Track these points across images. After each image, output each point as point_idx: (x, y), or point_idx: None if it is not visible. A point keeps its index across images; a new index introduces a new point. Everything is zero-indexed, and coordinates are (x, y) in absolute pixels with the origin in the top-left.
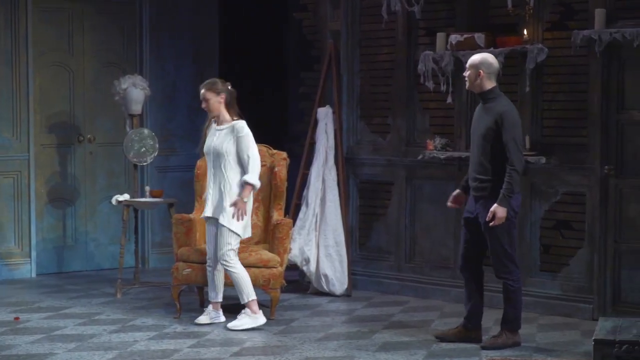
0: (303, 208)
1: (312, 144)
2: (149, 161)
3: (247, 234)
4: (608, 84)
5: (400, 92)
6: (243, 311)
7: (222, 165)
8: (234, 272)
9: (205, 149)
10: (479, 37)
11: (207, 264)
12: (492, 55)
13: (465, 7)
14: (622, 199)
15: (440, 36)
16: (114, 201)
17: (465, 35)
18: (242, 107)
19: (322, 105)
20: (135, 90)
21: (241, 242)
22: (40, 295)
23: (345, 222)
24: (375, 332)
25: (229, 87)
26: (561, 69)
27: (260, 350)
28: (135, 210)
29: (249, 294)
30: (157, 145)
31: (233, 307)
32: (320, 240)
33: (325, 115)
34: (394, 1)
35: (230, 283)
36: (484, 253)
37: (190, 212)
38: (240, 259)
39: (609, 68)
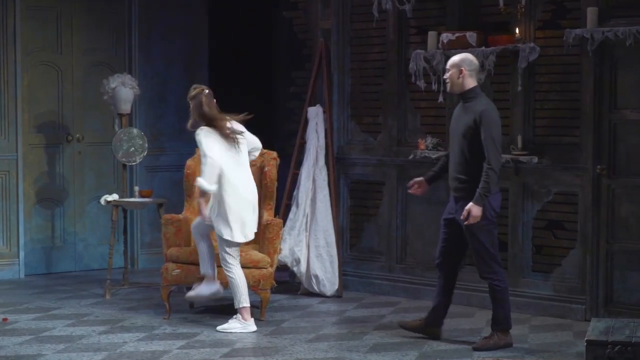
0: (293, 208)
1: (303, 144)
2: (138, 161)
3: (240, 237)
4: (600, 83)
5: (392, 92)
6: (235, 316)
7: None
8: (230, 276)
9: None
10: (471, 36)
11: None
12: (472, 55)
13: (457, 6)
14: (615, 199)
15: (431, 35)
16: (102, 201)
17: (456, 34)
18: (232, 106)
19: (312, 104)
20: (124, 90)
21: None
22: (29, 296)
23: (335, 222)
24: (366, 333)
25: (203, 90)
26: (553, 68)
27: (250, 352)
28: (125, 211)
29: (241, 300)
30: (146, 145)
31: (227, 308)
32: (310, 241)
33: (315, 115)
34: (384, 0)
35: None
36: (463, 255)
37: (180, 212)
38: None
39: (602, 67)
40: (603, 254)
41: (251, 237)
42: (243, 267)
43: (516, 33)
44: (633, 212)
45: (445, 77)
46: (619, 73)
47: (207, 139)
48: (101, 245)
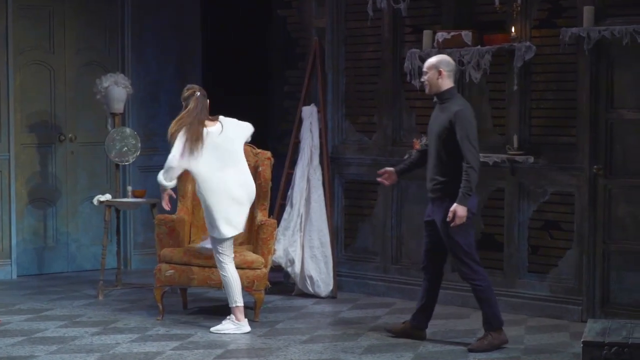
0: (287, 208)
1: (297, 143)
2: (131, 161)
3: (228, 231)
4: (597, 83)
5: (386, 91)
6: (228, 317)
7: None
8: (223, 274)
9: None
10: (466, 35)
11: None
12: (448, 56)
13: (452, 4)
14: (611, 199)
15: (426, 34)
16: (95, 201)
17: (452, 33)
18: (225, 106)
19: (306, 103)
20: (117, 89)
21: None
22: (21, 297)
23: (330, 222)
24: (361, 334)
25: (195, 93)
26: (549, 67)
27: (244, 353)
28: (117, 211)
29: (234, 300)
30: (139, 145)
31: (221, 309)
32: (305, 241)
33: (310, 114)
34: None
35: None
36: (446, 255)
37: (173, 212)
38: None
39: (598, 66)
40: (600, 254)
41: (241, 228)
42: (237, 267)
43: (512, 32)
44: (630, 213)
45: (423, 79)
46: (615, 72)
47: (180, 140)
48: (94, 245)
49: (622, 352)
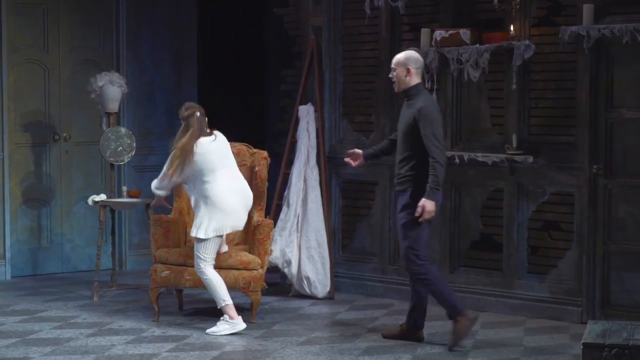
0: (284, 209)
1: (294, 143)
2: (126, 160)
3: (212, 231)
4: (597, 81)
5: (384, 90)
6: (222, 317)
7: None
8: (203, 278)
9: None
10: (464, 33)
11: None
12: (416, 52)
13: (450, 3)
14: (612, 199)
15: (424, 32)
16: (90, 202)
17: (450, 31)
18: (221, 105)
19: (303, 103)
20: (112, 88)
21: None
22: (15, 298)
23: (327, 223)
24: (358, 335)
25: (195, 113)
26: (549, 66)
27: (240, 355)
28: (112, 211)
29: (223, 299)
30: (134, 144)
31: (217, 310)
32: (302, 242)
33: (306, 114)
34: None
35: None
36: None
37: (169, 213)
38: (220, 261)
39: (598, 65)
40: (600, 255)
41: (222, 232)
42: (233, 268)
43: (511, 30)
44: (630, 213)
45: (390, 75)
46: (615, 71)
47: (174, 157)
48: (89, 246)
49: (623, 354)
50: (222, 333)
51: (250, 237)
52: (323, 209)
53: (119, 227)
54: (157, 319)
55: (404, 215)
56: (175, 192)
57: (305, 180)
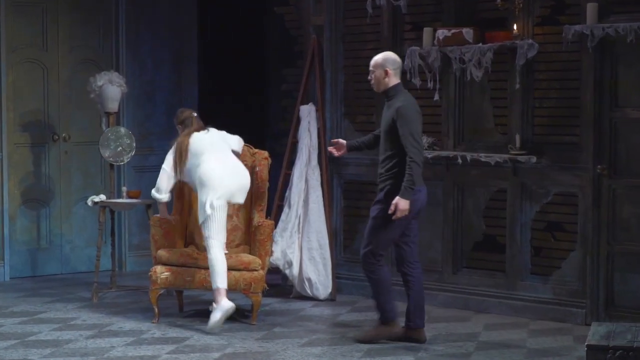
0: (285, 209)
1: (295, 143)
2: (125, 161)
3: (209, 207)
4: (601, 81)
5: None
6: (209, 308)
7: None
8: (209, 255)
9: None
10: (467, 32)
11: None
12: (394, 53)
13: (453, 1)
14: (616, 200)
15: (427, 31)
16: (89, 202)
17: (452, 31)
18: (222, 105)
19: (304, 102)
20: (112, 87)
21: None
22: (14, 299)
23: (329, 224)
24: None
25: (191, 114)
26: (552, 66)
27: (241, 356)
28: (112, 212)
29: (216, 282)
30: (134, 144)
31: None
32: (303, 243)
33: (308, 113)
34: None
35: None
36: (404, 248)
37: (169, 213)
38: None
39: (602, 64)
40: (604, 256)
41: (213, 206)
42: (233, 269)
43: (514, 29)
44: (634, 213)
45: (369, 77)
46: (619, 70)
47: (170, 155)
48: (88, 247)
49: (627, 355)
50: (217, 321)
51: (251, 238)
52: (324, 210)
53: (119, 228)
54: (157, 320)
55: (374, 209)
56: (175, 194)
57: (306, 181)
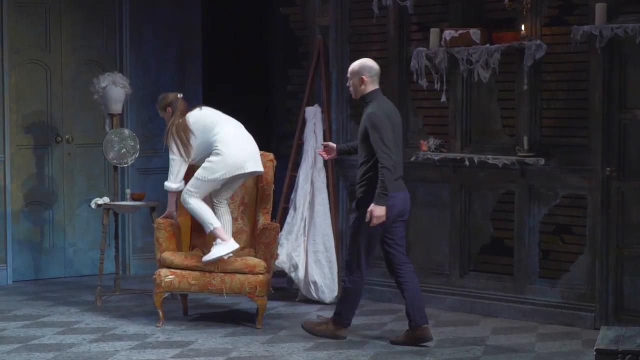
0: (291, 212)
1: (300, 145)
2: (129, 163)
3: (207, 176)
4: (610, 82)
5: (392, 91)
6: (214, 242)
7: None
8: (187, 207)
9: None
10: (475, 33)
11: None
12: (371, 59)
13: (460, 2)
14: (625, 202)
15: (433, 32)
16: (93, 205)
17: (460, 31)
18: (226, 106)
19: (310, 104)
20: (115, 89)
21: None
22: (17, 302)
23: (335, 226)
24: (367, 342)
25: (177, 96)
26: (560, 67)
27: None
28: (116, 214)
29: (210, 222)
30: (138, 146)
31: (223, 315)
32: (308, 246)
33: (313, 115)
34: None
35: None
36: (389, 250)
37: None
38: (225, 264)
39: (611, 65)
40: (613, 259)
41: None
42: (238, 272)
43: (522, 30)
44: None
45: (347, 84)
46: (628, 71)
47: (173, 141)
48: (92, 250)
49: None
50: (219, 254)
51: (256, 241)
52: (330, 213)
53: (123, 230)
54: (162, 324)
55: (351, 217)
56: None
57: (312, 183)
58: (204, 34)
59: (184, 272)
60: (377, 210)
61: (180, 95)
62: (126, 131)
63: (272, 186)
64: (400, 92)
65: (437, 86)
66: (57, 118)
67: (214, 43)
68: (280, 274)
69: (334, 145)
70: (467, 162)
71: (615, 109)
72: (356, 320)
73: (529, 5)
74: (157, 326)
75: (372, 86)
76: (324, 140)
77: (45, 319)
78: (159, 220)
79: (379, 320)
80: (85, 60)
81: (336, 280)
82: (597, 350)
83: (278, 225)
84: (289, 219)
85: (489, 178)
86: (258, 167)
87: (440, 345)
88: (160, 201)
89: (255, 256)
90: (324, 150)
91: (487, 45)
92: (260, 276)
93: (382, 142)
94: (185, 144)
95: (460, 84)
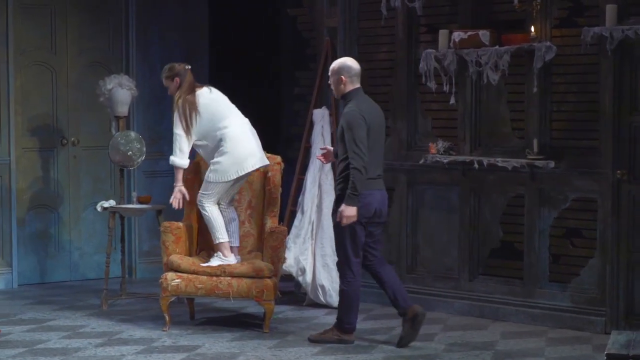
0: (298, 215)
1: (308, 148)
2: (136, 165)
3: (219, 178)
4: (620, 84)
5: (401, 93)
6: (215, 254)
7: None
8: (203, 212)
9: None
10: (484, 35)
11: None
12: (352, 59)
13: (469, 3)
14: (636, 205)
15: (442, 33)
16: (99, 208)
17: (469, 33)
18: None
19: (318, 106)
20: (121, 91)
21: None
22: (23, 306)
23: None
24: (375, 346)
25: (185, 67)
26: (571, 68)
27: None
28: (122, 218)
29: (218, 236)
30: (144, 149)
31: (230, 319)
32: (316, 249)
33: (321, 117)
34: None
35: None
36: (374, 247)
37: (180, 219)
38: (232, 268)
39: (621, 67)
40: (624, 263)
41: (226, 178)
42: (245, 276)
43: (531, 31)
44: None
45: (329, 82)
46: (639, 73)
47: (178, 116)
48: (98, 253)
49: None
50: (212, 264)
51: (264, 244)
52: None
53: (129, 234)
54: (168, 328)
55: (333, 218)
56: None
57: (319, 186)
58: (210, 36)
59: (190, 275)
60: (348, 211)
61: (188, 67)
62: (132, 134)
63: (280, 189)
64: (408, 94)
65: (446, 88)
66: (63, 120)
67: (221, 44)
68: (288, 277)
69: (331, 148)
70: (476, 165)
71: (626, 111)
72: (364, 325)
73: (538, 6)
74: (164, 330)
75: (351, 85)
76: (332, 143)
77: (50, 323)
78: (166, 223)
79: (387, 324)
80: (91, 62)
81: None
82: (607, 355)
83: (285, 228)
84: (296, 222)
85: (499, 181)
86: (264, 161)
87: (449, 349)
88: (166, 204)
89: (263, 260)
90: (322, 155)
91: (497, 47)
92: (268, 280)
93: (354, 142)
94: (191, 122)
95: (469, 86)
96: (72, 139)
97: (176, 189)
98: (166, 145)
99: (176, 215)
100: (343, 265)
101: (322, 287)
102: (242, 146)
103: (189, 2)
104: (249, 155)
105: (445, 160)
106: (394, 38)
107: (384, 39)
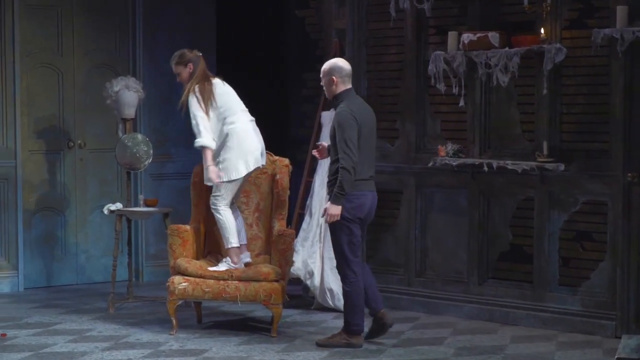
0: (306, 218)
1: None
2: (142, 168)
3: (231, 175)
4: (631, 86)
5: (410, 95)
6: (224, 259)
7: None
8: (218, 216)
9: None
10: (493, 36)
11: None
12: (343, 60)
13: (478, 4)
14: None
15: (451, 35)
16: (105, 211)
17: (478, 34)
18: None
19: (326, 108)
20: (128, 93)
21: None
22: (29, 310)
23: None
24: (383, 350)
25: (197, 54)
26: (581, 70)
27: None
28: (129, 221)
29: (229, 241)
30: (151, 151)
31: (237, 323)
32: (324, 253)
33: (329, 120)
34: None
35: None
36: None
37: (187, 222)
38: (240, 272)
39: (632, 69)
40: (634, 266)
41: (239, 174)
42: (253, 280)
43: (541, 33)
44: None
45: (322, 84)
46: None
47: (195, 102)
48: (104, 256)
49: None
50: (220, 269)
51: (272, 247)
52: None
53: (136, 237)
54: (175, 332)
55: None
56: (194, 201)
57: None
58: (218, 37)
59: (197, 279)
60: (332, 209)
61: (200, 54)
62: (139, 136)
63: (288, 192)
64: (417, 96)
65: (455, 90)
66: (69, 123)
67: (229, 46)
68: (296, 281)
69: (325, 144)
70: (485, 168)
71: (637, 113)
72: None
73: (548, 8)
74: (171, 334)
75: (342, 86)
76: None
77: (57, 327)
78: (173, 226)
79: (396, 328)
80: (97, 63)
81: None
82: (618, 359)
83: (293, 231)
84: (304, 225)
85: (508, 184)
86: (263, 161)
87: (458, 353)
88: (173, 207)
89: (270, 263)
90: (317, 151)
91: (506, 48)
92: (276, 283)
93: (345, 142)
94: (207, 106)
95: (478, 88)
96: (79, 141)
97: (210, 168)
98: (173, 147)
99: (183, 218)
100: (343, 267)
101: (331, 290)
102: (247, 143)
103: (197, 3)
104: (255, 150)
105: (454, 163)
106: (403, 40)
107: (392, 40)
